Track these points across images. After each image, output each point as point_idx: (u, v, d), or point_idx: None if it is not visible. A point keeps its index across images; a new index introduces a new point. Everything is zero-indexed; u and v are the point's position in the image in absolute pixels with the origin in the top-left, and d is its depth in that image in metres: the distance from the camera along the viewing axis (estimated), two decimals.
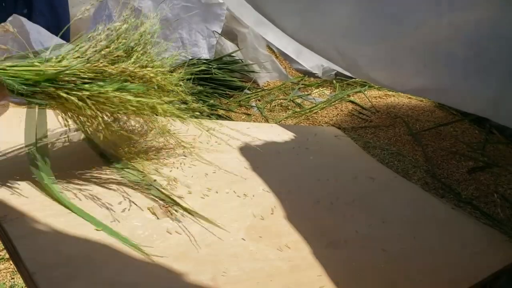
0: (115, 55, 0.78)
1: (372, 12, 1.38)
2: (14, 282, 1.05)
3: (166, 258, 0.63)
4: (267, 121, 1.80)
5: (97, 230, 0.63)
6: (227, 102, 1.97)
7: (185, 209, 0.74)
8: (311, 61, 2.38)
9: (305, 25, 1.63)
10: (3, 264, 1.09)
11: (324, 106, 1.86)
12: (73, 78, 0.71)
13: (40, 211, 0.63)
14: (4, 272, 1.08)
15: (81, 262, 0.56)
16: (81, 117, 0.74)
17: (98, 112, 0.73)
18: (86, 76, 0.73)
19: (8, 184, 0.66)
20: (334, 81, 2.19)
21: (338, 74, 2.37)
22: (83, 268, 0.55)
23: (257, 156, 1.03)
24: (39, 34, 1.93)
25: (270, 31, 2.34)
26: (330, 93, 2.08)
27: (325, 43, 1.57)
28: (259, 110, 1.90)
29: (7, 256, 1.02)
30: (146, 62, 0.84)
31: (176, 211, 0.72)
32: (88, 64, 0.74)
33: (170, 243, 0.66)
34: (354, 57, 1.51)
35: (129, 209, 0.69)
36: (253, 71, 2.22)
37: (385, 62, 1.41)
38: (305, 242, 0.78)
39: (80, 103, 0.71)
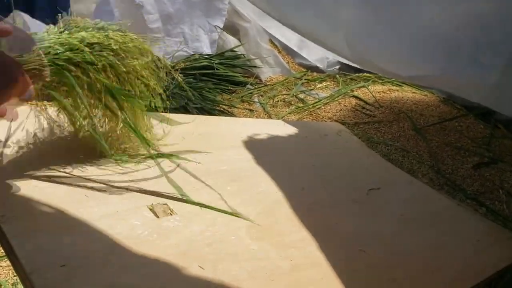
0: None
1: (384, 5, 1.39)
2: (16, 279, 1.05)
3: (166, 258, 0.62)
4: (270, 116, 1.79)
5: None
6: (230, 98, 1.96)
7: (195, 203, 0.74)
8: (315, 54, 2.36)
9: (314, 19, 1.64)
10: (5, 262, 1.10)
11: (328, 101, 1.84)
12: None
13: (38, 210, 0.62)
14: (6, 270, 1.08)
15: (79, 263, 0.55)
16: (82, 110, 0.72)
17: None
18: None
19: (6, 183, 0.65)
20: (338, 76, 2.18)
21: (341, 69, 2.36)
22: (81, 269, 0.54)
23: (260, 153, 1.02)
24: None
25: (273, 25, 2.34)
26: (334, 88, 2.06)
27: (335, 36, 1.57)
28: (262, 106, 1.89)
29: None
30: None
31: (172, 211, 0.72)
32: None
33: (170, 242, 0.65)
34: (364, 49, 1.51)
35: (128, 208, 0.69)
36: (255, 66, 2.21)
37: (393, 52, 1.41)
38: (307, 240, 0.77)
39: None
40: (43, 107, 0.79)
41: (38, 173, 0.70)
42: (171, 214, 0.71)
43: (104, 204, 0.68)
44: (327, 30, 1.61)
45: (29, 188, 0.66)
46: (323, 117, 1.74)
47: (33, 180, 0.68)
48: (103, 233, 0.62)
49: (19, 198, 0.64)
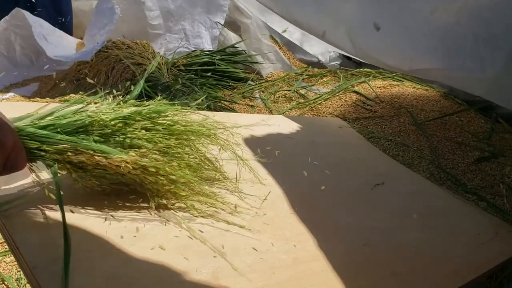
0: None
1: (385, 0, 1.39)
2: (20, 275, 1.06)
3: (167, 252, 0.62)
4: (271, 112, 1.79)
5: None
6: (231, 94, 1.96)
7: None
8: (317, 48, 2.37)
9: (316, 14, 1.64)
10: (9, 257, 1.10)
11: (328, 97, 1.84)
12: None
13: (40, 205, 0.62)
14: (10, 265, 1.09)
15: (81, 256, 0.56)
16: None
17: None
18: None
19: (8, 177, 0.66)
20: (338, 72, 2.17)
21: (342, 64, 2.36)
22: (83, 262, 0.55)
23: (261, 148, 1.02)
24: (41, 28, 1.93)
25: (275, 19, 2.34)
26: (334, 83, 2.06)
27: (337, 31, 1.57)
28: (263, 102, 1.89)
29: None
30: None
31: (174, 205, 0.72)
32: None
33: (171, 236, 0.66)
34: (366, 43, 1.51)
35: (130, 201, 0.69)
36: (256, 62, 2.21)
37: (395, 46, 1.42)
38: (308, 234, 0.77)
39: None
40: None
41: (41, 168, 0.70)
42: (172, 208, 0.71)
43: (108, 198, 0.68)
44: (329, 25, 1.62)
45: (32, 182, 0.67)
46: (324, 112, 1.74)
47: (35, 176, 0.69)
48: (106, 227, 0.63)
49: (21, 193, 0.64)
